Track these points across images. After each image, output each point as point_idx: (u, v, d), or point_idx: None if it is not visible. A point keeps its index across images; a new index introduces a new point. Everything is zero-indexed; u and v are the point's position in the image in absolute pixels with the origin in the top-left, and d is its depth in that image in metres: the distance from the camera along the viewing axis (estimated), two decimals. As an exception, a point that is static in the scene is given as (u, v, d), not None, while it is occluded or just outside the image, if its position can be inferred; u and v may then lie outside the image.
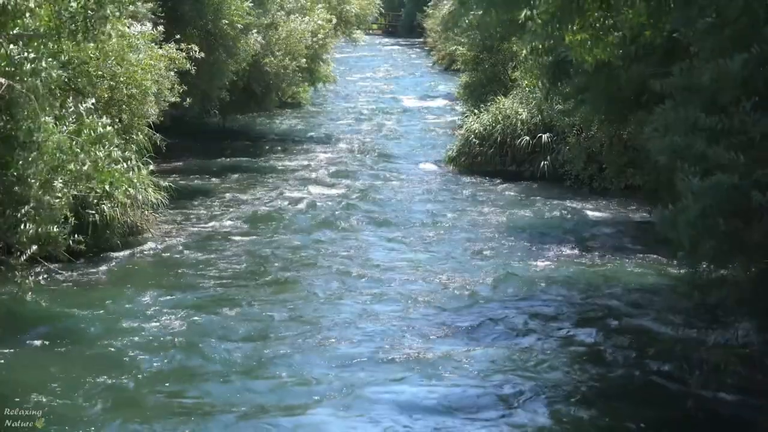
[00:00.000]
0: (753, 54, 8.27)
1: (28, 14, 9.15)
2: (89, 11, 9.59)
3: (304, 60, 27.26)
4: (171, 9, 19.64)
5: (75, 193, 11.41)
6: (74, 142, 10.25)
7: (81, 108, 10.59)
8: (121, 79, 14.97)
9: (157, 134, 16.93)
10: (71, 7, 9.54)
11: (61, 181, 10.24)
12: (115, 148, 10.90)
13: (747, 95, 8.27)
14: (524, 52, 19.86)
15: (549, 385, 10.72)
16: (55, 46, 9.77)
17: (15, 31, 9.20)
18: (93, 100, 11.11)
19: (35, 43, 9.30)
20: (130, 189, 14.07)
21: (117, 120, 15.58)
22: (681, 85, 8.90)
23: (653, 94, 10.54)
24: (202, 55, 17.66)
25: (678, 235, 8.67)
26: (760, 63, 8.30)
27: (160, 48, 16.69)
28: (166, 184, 17.40)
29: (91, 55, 13.91)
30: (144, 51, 15.33)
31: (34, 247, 9.99)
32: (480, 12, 23.01)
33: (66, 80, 12.32)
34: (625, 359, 11.46)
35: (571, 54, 11.70)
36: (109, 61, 14.35)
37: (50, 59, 9.17)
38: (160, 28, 16.97)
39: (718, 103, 8.42)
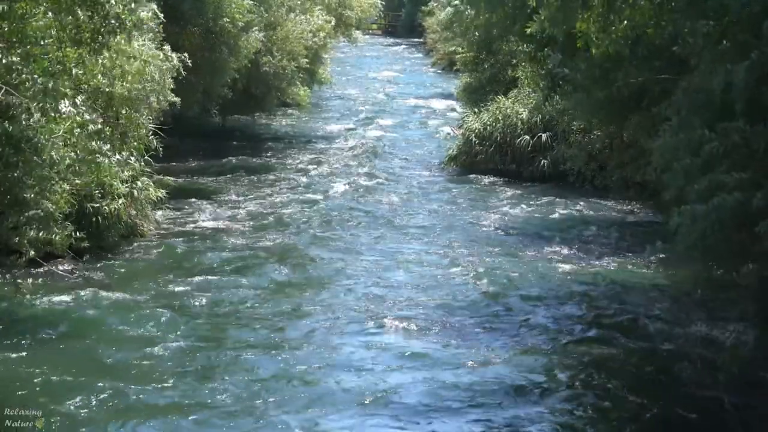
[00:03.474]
0: (754, 60, 8.27)
1: (33, 23, 9.11)
2: (97, 24, 9.58)
3: (305, 60, 27.21)
4: (171, 8, 19.61)
5: (73, 191, 11.43)
6: (69, 140, 10.27)
7: (72, 105, 10.56)
8: (118, 79, 14.91)
9: (156, 135, 16.83)
10: (78, 19, 9.52)
11: (59, 179, 10.24)
12: (102, 143, 10.91)
13: (747, 107, 8.27)
14: (525, 48, 19.89)
15: (545, 382, 10.77)
16: (58, 55, 9.75)
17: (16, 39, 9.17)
18: (82, 98, 11.13)
19: (36, 52, 9.27)
20: (119, 181, 14.09)
21: (114, 119, 15.55)
22: (687, 103, 8.91)
23: (652, 97, 10.57)
24: (189, 63, 17.42)
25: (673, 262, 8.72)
26: (761, 68, 8.29)
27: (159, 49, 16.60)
28: (167, 182, 17.38)
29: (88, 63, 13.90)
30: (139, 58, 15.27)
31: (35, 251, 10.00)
32: (481, 9, 23.05)
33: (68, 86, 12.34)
34: (623, 357, 11.49)
35: (578, 44, 11.68)
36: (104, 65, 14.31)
37: (49, 65, 9.16)
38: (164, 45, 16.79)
39: (721, 116, 8.42)
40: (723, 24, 8.71)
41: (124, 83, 14.60)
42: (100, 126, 10.99)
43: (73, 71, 10.28)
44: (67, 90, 9.79)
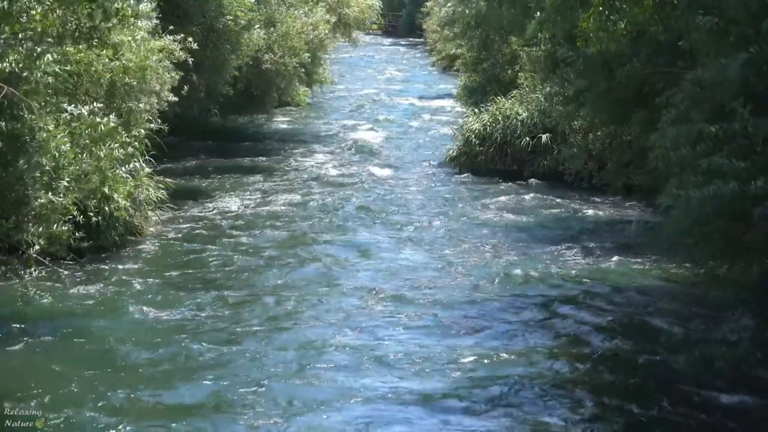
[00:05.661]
0: (752, 54, 8.27)
1: (31, 20, 9.09)
2: (96, 20, 9.57)
3: (307, 55, 27.21)
4: (174, 6, 19.62)
5: (77, 195, 11.41)
6: (75, 143, 10.26)
7: (84, 109, 10.56)
8: (121, 71, 14.90)
9: (157, 125, 16.79)
10: (79, 14, 9.50)
11: (64, 181, 10.24)
12: (118, 147, 10.87)
13: (747, 99, 8.27)
14: (526, 50, 19.92)
15: (545, 382, 10.78)
16: (59, 50, 9.74)
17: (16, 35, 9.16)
18: (98, 105, 11.11)
19: (36, 48, 9.26)
20: (130, 190, 14.09)
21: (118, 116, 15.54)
22: (688, 95, 8.91)
23: (655, 93, 10.55)
24: (195, 46, 17.39)
25: (664, 244, 8.72)
26: (759, 63, 8.30)
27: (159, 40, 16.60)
28: (167, 182, 17.39)
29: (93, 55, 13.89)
30: (142, 45, 15.26)
31: (37, 248, 9.98)
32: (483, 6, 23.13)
33: (71, 84, 12.34)
34: (622, 356, 11.51)
35: (577, 43, 11.68)
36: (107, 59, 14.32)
37: (51, 63, 9.14)
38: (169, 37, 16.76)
39: (722, 109, 8.43)
40: (724, 20, 8.71)
41: (127, 71, 14.61)
42: (112, 124, 10.91)
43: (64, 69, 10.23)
44: (68, 86, 9.74)
